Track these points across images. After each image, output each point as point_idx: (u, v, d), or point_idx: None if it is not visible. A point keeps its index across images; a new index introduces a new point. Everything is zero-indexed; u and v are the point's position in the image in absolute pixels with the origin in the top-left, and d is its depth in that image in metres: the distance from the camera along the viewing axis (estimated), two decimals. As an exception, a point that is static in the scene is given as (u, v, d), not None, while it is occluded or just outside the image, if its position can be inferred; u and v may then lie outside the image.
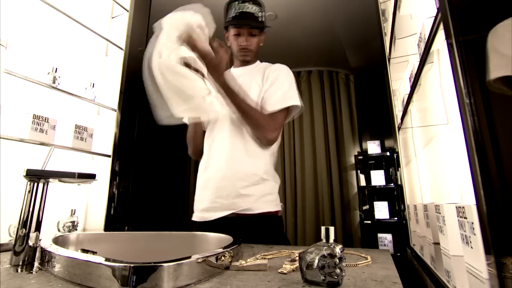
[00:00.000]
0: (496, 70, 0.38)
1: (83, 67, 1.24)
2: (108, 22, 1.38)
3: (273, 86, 1.05)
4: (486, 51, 0.39)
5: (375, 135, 3.36)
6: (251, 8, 1.07)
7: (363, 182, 3.22)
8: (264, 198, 1.02)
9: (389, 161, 3.19)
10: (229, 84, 0.91)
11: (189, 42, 0.84)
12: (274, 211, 1.04)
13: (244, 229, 0.98)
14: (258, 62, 1.20)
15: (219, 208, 1.02)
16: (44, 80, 1.02)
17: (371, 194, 3.18)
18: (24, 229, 0.60)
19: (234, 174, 1.01)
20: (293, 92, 1.06)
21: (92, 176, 0.72)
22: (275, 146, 1.11)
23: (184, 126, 1.13)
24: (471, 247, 0.48)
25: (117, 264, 0.46)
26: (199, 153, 1.15)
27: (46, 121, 0.97)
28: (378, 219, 2.98)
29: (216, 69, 0.88)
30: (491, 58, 0.38)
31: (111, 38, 1.33)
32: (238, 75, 1.12)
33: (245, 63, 1.17)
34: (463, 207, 0.51)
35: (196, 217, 1.09)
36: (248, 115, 0.97)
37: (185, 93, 0.83)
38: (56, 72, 1.06)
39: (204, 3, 0.96)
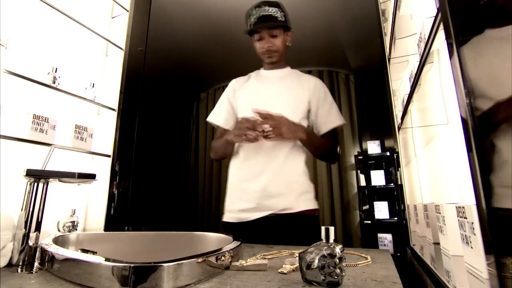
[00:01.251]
0: None
1: (83, 67, 1.23)
2: (108, 22, 1.38)
3: (323, 105, 1.12)
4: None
5: (375, 135, 3.36)
6: (268, 10, 1.08)
7: (363, 182, 3.22)
8: (303, 196, 1.04)
9: (389, 161, 3.19)
10: (310, 136, 1.03)
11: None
12: (313, 209, 1.06)
13: (282, 230, 0.99)
14: (289, 67, 1.22)
15: (258, 209, 1.02)
16: (44, 80, 1.02)
17: (371, 194, 3.18)
18: (24, 229, 0.60)
19: (273, 175, 1.02)
20: (338, 110, 1.16)
21: (92, 176, 0.72)
22: None
23: (183, 125, 1.13)
24: (471, 247, 0.48)
25: (117, 264, 0.46)
26: (223, 158, 1.20)
27: (46, 121, 0.97)
28: (378, 219, 2.98)
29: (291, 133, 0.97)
30: None
31: (111, 38, 1.33)
32: (273, 78, 1.18)
33: (274, 65, 1.18)
34: (463, 207, 0.51)
35: (231, 218, 1.07)
36: (325, 152, 1.09)
37: None
38: (56, 72, 1.05)
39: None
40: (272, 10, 1.08)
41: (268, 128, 0.90)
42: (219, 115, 1.20)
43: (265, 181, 1.01)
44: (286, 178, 1.02)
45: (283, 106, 1.05)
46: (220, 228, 1.12)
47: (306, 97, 1.10)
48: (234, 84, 1.23)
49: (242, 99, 1.16)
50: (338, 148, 1.13)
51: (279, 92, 1.11)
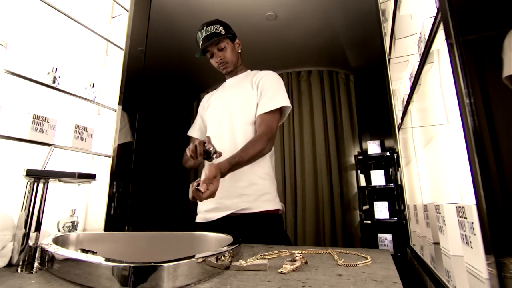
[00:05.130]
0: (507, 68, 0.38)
1: (83, 67, 1.23)
2: (108, 22, 1.38)
3: (262, 91, 1.15)
4: (503, 49, 0.38)
5: (375, 135, 3.36)
6: (209, 29, 1.18)
7: (363, 182, 3.22)
8: (263, 197, 1.07)
9: (389, 161, 3.19)
10: (230, 166, 0.96)
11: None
12: (273, 209, 1.08)
13: (244, 228, 1.03)
14: (248, 71, 1.29)
15: (220, 209, 1.07)
16: (44, 80, 1.02)
17: (371, 194, 3.18)
18: (24, 229, 0.60)
19: (235, 175, 1.05)
20: (279, 93, 1.14)
21: (92, 176, 0.72)
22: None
23: (183, 125, 1.14)
24: (471, 247, 0.48)
25: (117, 264, 0.46)
26: (192, 167, 1.29)
27: (46, 121, 0.97)
28: (378, 219, 2.98)
29: (217, 176, 0.90)
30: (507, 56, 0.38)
31: (111, 38, 1.33)
32: (230, 85, 1.27)
33: (233, 73, 1.27)
34: (463, 207, 0.51)
35: (199, 218, 1.15)
36: (253, 158, 1.03)
37: None
38: (56, 72, 1.05)
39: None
40: (212, 28, 1.18)
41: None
42: (194, 129, 1.36)
43: (225, 183, 1.05)
44: (246, 180, 1.07)
45: (235, 110, 1.16)
46: (196, 230, 1.16)
47: (255, 92, 1.16)
48: (203, 100, 1.38)
49: (207, 111, 1.30)
50: (265, 138, 1.06)
51: (233, 97, 1.20)
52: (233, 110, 1.17)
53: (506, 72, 0.38)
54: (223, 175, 0.94)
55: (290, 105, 1.14)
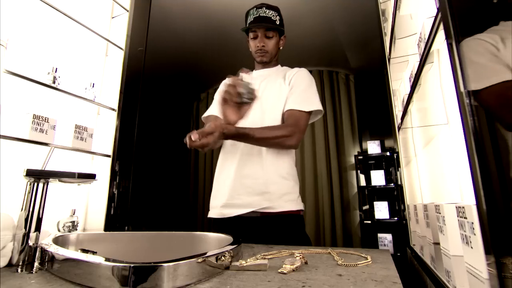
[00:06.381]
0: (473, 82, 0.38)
1: (83, 67, 1.23)
2: (108, 22, 1.38)
3: (293, 87, 1.11)
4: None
5: (375, 135, 3.37)
6: (267, 12, 1.13)
7: (363, 182, 3.22)
8: (285, 197, 1.04)
9: (389, 161, 3.19)
10: (236, 133, 0.93)
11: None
12: (296, 210, 1.05)
13: (266, 228, 1.00)
14: (279, 66, 1.25)
15: (239, 205, 1.03)
16: (44, 80, 1.02)
17: (371, 194, 3.18)
18: (24, 229, 0.60)
19: (257, 172, 1.03)
20: (313, 96, 1.12)
21: (92, 176, 0.72)
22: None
23: (183, 125, 1.14)
24: (471, 247, 0.48)
25: (117, 264, 0.46)
26: None
27: (46, 121, 0.97)
28: (378, 219, 2.98)
29: (221, 135, 0.88)
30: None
31: (111, 38, 1.33)
32: (260, 76, 1.21)
33: (265, 65, 1.21)
34: (463, 207, 0.51)
35: (214, 213, 1.09)
36: (266, 140, 1.00)
37: None
38: (56, 72, 1.05)
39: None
40: (270, 13, 1.13)
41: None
42: (212, 108, 1.23)
43: (247, 179, 1.03)
44: (269, 178, 1.03)
45: (266, 102, 1.11)
46: (209, 226, 1.14)
47: (287, 88, 1.13)
48: (222, 85, 1.26)
49: None
50: (289, 128, 1.03)
51: (265, 89, 1.15)
52: (264, 102, 1.12)
53: (474, 86, 0.38)
54: (225, 136, 0.90)
55: (322, 110, 1.12)
